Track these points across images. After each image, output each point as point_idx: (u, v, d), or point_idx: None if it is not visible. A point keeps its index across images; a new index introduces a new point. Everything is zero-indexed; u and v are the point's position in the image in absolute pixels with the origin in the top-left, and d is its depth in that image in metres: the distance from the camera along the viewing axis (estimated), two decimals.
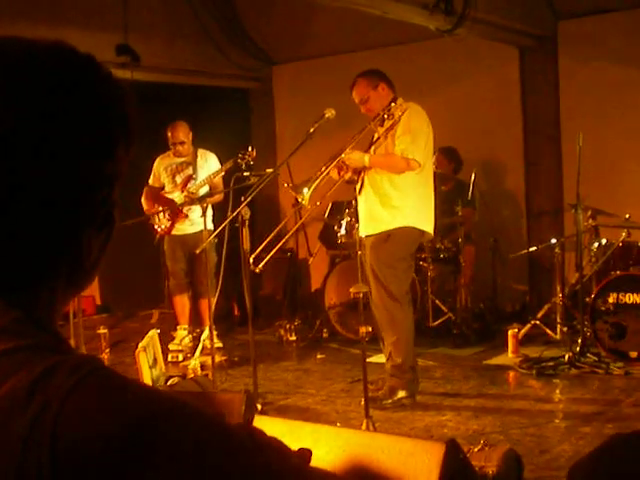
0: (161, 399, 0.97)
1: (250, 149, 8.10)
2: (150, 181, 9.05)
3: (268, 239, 6.22)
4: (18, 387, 0.93)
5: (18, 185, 1.02)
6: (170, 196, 8.85)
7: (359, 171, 6.66)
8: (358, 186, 6.77)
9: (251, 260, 6.07)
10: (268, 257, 6.15)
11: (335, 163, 6.45)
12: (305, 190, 6.19)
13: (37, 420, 0.91)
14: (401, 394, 6.60)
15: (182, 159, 8.93)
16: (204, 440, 0.95)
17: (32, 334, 1.01)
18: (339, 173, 6.54)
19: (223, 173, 8.62)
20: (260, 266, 6.08)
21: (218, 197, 8.30)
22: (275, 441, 1.10)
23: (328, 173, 6.44)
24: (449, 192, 9.14)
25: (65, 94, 1.05)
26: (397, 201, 6.55)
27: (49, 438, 0.90)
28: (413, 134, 6.45)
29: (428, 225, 6.70)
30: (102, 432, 0.91)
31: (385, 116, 6.61)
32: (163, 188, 8.98)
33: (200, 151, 8.98)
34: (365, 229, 6.60)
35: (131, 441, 0.91)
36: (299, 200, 6.25)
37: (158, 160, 9.04)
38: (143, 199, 8.92)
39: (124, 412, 0.93)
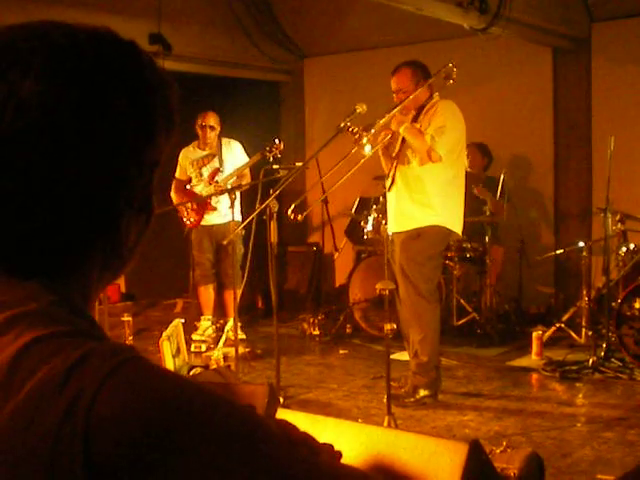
0: (195, 391, 0.96)
1: (277, 142, 8.10)
2: (177, 174, 9.06)
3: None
4: (53, 373, 0.93)
5: (58, 168, 1.02)
6: (197, 189, 8.86)
7: (390, 154, 6.68)
8: (388, 182, 6.77)
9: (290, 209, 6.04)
10: (309, 209, 6.18)
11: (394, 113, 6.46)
12: (372, 130, 6.17)
13: (71, 407, 0.91)
14: (423, 393, 6.60)
15: (207, 151, 8.94)
16: (240, 433, 0.94)
17: (67, 319, 1.01)
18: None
19: (248, 167, 8.63)
20: (302, 216, 6.14)
21: (245, 186, 8.30)
22: (307, 436, 1.09)
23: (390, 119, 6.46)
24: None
25: (108, 79, 1.05)
26: (428, 199, 6.53)
27: (82, 428, 0.90)
28: (443, 130, 6.42)
29: (457, 225, 6.68)
30: (136, 421, 0.90)
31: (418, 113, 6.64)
32: (190, 181, 8.99)
33: (224, 140, 8.98)
34: (395, 226, 6.58)
35: (166, 431, 0.91)
36: (365, 138, 6.18)
37: (183, 152, 9.04)
38: (172, 192, 8.94)
39: (159, 402, 0.92)
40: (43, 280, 1.04)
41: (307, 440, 1.09)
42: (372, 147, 6.25)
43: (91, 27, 1.08)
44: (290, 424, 1.10)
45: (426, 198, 6.55)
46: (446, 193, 6.57)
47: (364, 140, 6.12)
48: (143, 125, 1.08)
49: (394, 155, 6.74)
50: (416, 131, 6.48)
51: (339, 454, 1.18)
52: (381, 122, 6.29)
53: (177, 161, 9.04)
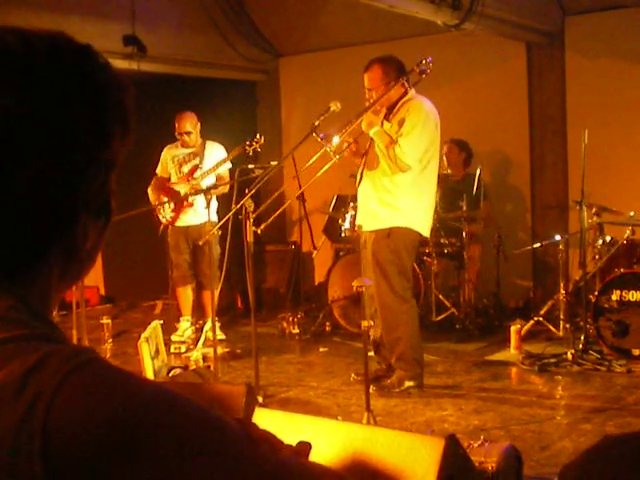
0: (153, 391, 0.97)
1: (258, 136, 8.11)
2: (158, 171, 9.04)
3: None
4: (11, 378, 0.93)
5: (12, 171, 1.02)
6: (176, 187, 8.83)
7: (362, 154, 6.69)
8: (357, 179, 6.80)
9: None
10: (271, 219, 6.23)
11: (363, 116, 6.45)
12: (335, 139, 6.17)
13: (29, 411, 0.91)
14: (408, 384, 6.71)
15: (190, 150, 8.92)
16: (195, 434, 0.95)
17: (26, 323, 1.01)
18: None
19: (230, 165, 8.62)
20: (262, 227, 6.19)
21: (223, 189, 8.29)
22: (269, 435, 1.10)
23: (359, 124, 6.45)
24: (455, 186, 9.10)
25: (60, 82, 1.06)
26: (395, 200, 6.55)
27: (40, 430, 0.90)
28: (410, 136, 6.42)
29: (425, 227, 6.71)
30: (92, 424, 0.91)
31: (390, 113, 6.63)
32: (170, 178, 8.96)
33: (209, 143, 8.96)
34: (364, 223, 6.56)
35: (125, 433, 0.91)
36: (327, 150, 6.19)
37: (166, 150, 9.04)
38: (150, 190, 8.91)
39: (114, 405, 0.92)
40: (1, 284, 1.04)
41: (269, 438, 1.10)
42: (338, 154, 6.29)
43: (45, 31, 1.09)
44: (254, 424, 1.10)
45: (393, 199, 6.56)
46: (414, 195, 6.58)
47: (327, 149, 6.16)
48: (97, 126, 1.09)
49: (362, 153, 6.75)
50: (386, 138, 6.46)
51: (308, 448, 1.18)
52: (344, 134, 6.29)
53: (158, 159, 9.03)
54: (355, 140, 6.59)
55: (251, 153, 8.11)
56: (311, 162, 6.39)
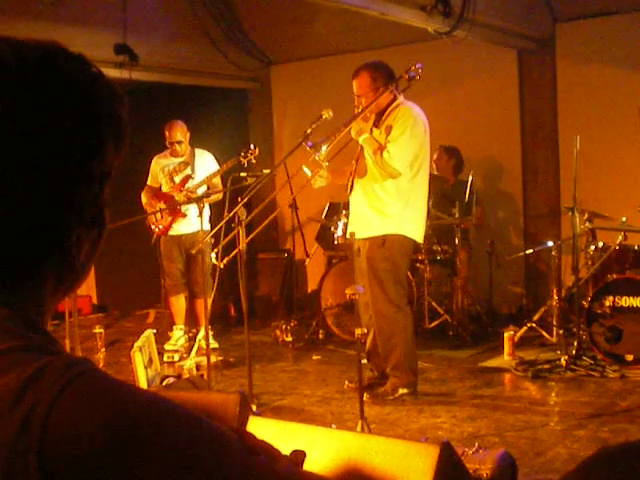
0: (149, 401, 0.96)
1: (253, 147, 8.09)
2: (148, 181, 9.00)
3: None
4: (7, 389, 0.93)
5: (7, 183, 1.02)
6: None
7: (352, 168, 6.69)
8: (348, 187, 6.78)
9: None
10: (234, 252, 6.22)
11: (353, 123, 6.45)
12: (324, 147, 6.16)
13: (25, 422, 0.91)
14: (402, 391, 6.72)
15: (180, 159, 8.89)
16: (192, 444, 0.94)
17: (22, 334, 1.01)
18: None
19: (222, 172, 8.60)
20: (224, 261, 6.20)
21: (216, 197, 8.27)
22: (265, 445, 1.09)
23: (348, 131, 6.44)
24: (448, 193, 9.10)
25: (52, 93, 1.05)
26: (387, 207, 6.55)
27: (37, 440, 0.90)
28: (398, 142, 6.42)
29: (418, 234, 6.71)
30: (89, 436, 0.90)
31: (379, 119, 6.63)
32: (160, 188, 8.94)
33: (198, 151, 8.94)
34: (357, 231, 6.54)
35: (118, 445, 0.91)
36: (316, 158, 6.19)
37: (155, 160, 9.00)
38: (143, 195, 8.88)
39: (111, 416, 0.92)
40: None
41: (265, 448, 1.09)
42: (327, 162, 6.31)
43: (38, 41, 1.09)
44: (250, 434, 1.10)
45: (385, 206, 6.56)
46: (405, 202, 6.58)
47: (316, 157, 6.15)
48: (90, 137, 1.08)
49: (353, 160, 6.75)
50: (375, 145, 6.47)
51: (302, 457, 1.18)
52: (333, 142, 6.28)
53: (149, 168, 9.01)
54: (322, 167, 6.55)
55: (246, 164, 8.10)
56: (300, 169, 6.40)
